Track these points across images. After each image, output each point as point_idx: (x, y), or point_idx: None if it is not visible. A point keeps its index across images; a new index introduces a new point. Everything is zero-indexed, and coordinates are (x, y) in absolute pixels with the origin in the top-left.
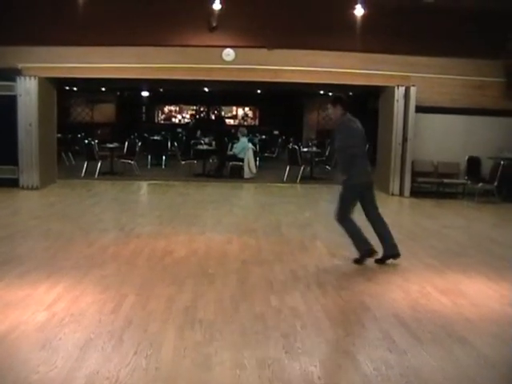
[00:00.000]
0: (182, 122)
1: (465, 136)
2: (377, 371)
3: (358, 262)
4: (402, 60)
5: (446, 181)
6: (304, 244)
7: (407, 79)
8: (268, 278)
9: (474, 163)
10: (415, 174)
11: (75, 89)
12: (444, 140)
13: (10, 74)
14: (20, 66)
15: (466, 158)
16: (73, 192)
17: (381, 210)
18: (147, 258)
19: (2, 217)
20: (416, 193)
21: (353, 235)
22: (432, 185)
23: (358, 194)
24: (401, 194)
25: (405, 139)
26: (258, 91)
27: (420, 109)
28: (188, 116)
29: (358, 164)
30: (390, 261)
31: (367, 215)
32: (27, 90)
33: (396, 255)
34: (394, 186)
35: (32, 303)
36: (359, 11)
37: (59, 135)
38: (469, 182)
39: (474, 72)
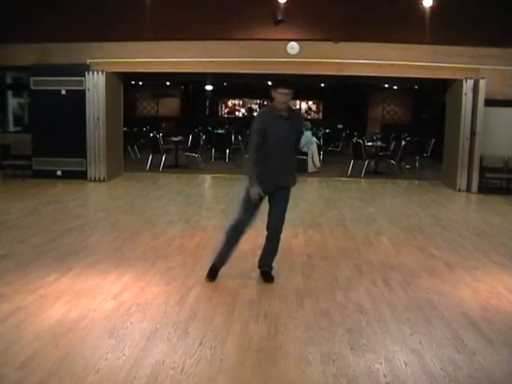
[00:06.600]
0: (246, 115)
1: None
2: (444, 371)
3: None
4: (471, 52)
5: None
6: (369, 239)
7: (476, 72)
8: (333, 273)
9: None
10: (483, 170)
11: (141, 83)
12: None
13: (79, 70)
14: (88, 61)
15: None
16: (138, 185)
17: (447, 206)
18: (212, 251)
19: (72, 208)
20: (484, 189)
21: None
22: (501, 181)
23: None
24: (468, 189)
25: (473, 133)
26: (322, 85)
27: (490, 102)
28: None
29: None
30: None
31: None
32: (95, 85)
33: None
34: (461, 182)
35: (100, 292)
36: (428, 1)
37: (125, 129)
38: None
39: None
